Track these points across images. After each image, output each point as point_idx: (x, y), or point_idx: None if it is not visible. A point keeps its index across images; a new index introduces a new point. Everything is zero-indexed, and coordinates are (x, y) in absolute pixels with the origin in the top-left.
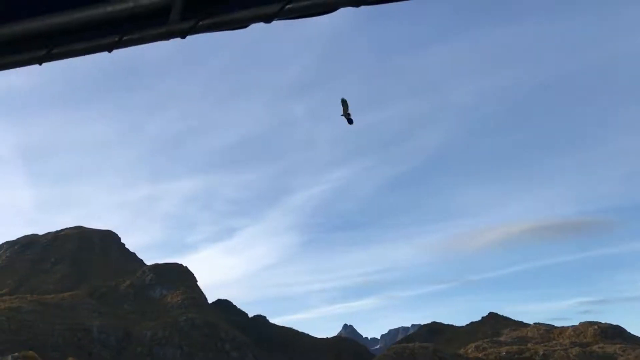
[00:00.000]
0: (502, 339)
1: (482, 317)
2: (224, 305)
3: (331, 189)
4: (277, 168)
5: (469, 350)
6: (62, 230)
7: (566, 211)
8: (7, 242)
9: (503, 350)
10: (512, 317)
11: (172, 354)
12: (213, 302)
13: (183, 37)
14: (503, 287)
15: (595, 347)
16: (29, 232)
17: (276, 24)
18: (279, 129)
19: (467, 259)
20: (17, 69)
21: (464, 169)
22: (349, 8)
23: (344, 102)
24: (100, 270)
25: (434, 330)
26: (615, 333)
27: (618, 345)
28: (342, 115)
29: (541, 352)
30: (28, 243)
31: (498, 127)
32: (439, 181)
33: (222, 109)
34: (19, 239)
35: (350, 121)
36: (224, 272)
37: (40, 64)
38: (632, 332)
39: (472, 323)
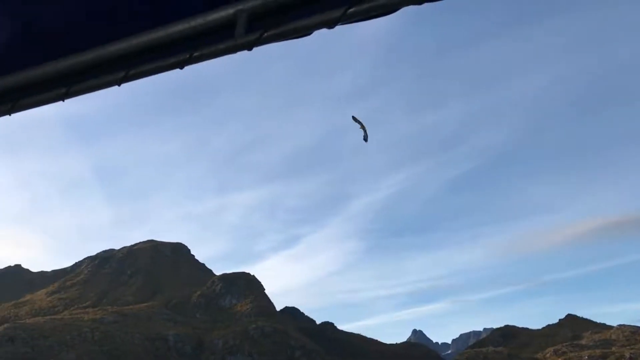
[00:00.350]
0: (583, 342)
1: (560, 320)
2: (291, 312)
3: (392, 194)
4: (337, 175)
5: (548, 355)
6: (136, 244)
7: None
8: (88, 257)
9: (585, 354)
10: (593, 319)
11: None
12: (281, 310)
13: (250, 49)
14: (580, 287)
15: None
16: (107, 247)
17: (328, 31)
18: (335, 135)
19: (539, 259)
20: (95, 92)
21: (530, 166)
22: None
23: (356, 119)
24: (173, 281)
25: (508, 334)
26: None
27: None
28: (360, 128)
29: (627, 355)
30: (106, 257)
31: (563, 120)
32: (503, 180)
33: (279, 119)
34: (98, 254)
35: (365, 138)
36: (290, 279)
37: (119, 85)
38: None
39: (548, 326)
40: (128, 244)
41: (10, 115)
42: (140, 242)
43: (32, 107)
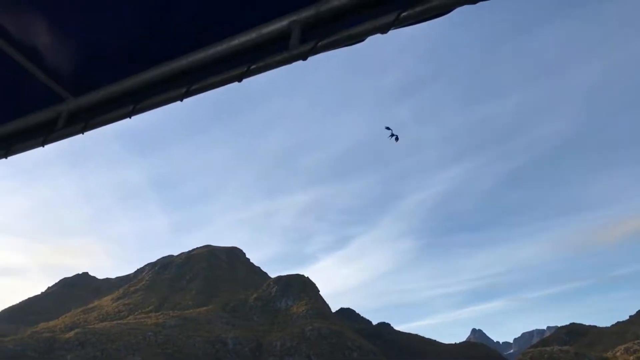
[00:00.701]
0: None
1: (630, 316)
2: (347, 313)
3: (445, 190)
4: (387, 174)
5: (618, 353)
6: (193, 249)
7: None
8: (149, 264)
9: None
10: None
11: None
12: (337, 311)
13: (304, 59)
14: None
15: None
16: (166, 254)
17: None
18: (385, 134)
19: (606, 253)
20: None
21: (594, 156)
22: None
23: (388, 129)
24: (229, 285)
25: (574, 332)
26: None
27: None
28: (391, 137)
29: None
30: (166, 263)
31: (629, 104)
32: (564, 171)
33: (327, 121)
34: (158, 260)
35: (396, 138)
36: (343, 280)
37: (181, 101)
38: None
39: (618, 323)
40: (186, 250)
41: (82, 134)
42: (197, 248)
43: (102, 124)
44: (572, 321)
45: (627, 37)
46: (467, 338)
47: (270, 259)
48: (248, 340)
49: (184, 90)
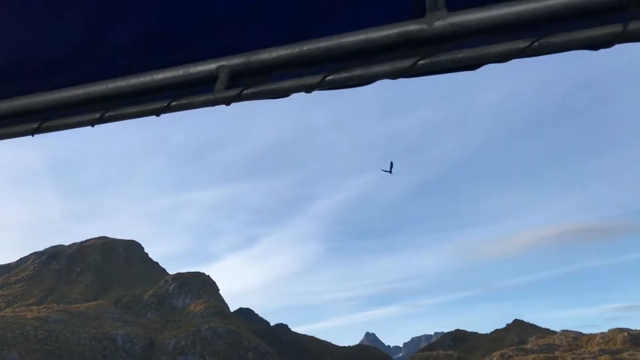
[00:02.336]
0: (528, 346)
1: (507, 325)
2: (245, 313)
3: (354, 197)
4: (300, 176)
5: (494, 358)
6: (87, 240)
7: (595, 215)
8: (35, 253)
9: (529, 359)
10: (539, 324)
11: None
12: (235, 311)
13: (227, 104)
14: (529, 293)
15: (625, 355)
16: (56, 243)
17: None
18: (301, 136)
19: (492, 265)
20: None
21: (490, 175)
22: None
23: (391, 164)
24: (124, 279)
25: (458, 338)
26: None
27: None
28: (386, 170)
29: None
30: (55, 253)
31: (526, 131)
32: (463, 187)
33: (243, 119)
34: (46, 249)
35: (390, 171)
36: (246, 280)
37: (92, 126)
38: None
39: (497, 330)
40: (79, 240)
41: None
42: (91, 239)
43: (2, 138)
44: (457, 327)
45: (529, 68)
46: (361, 341)
47: (172, 255)
48: (139, 337)
49: (97, 116)
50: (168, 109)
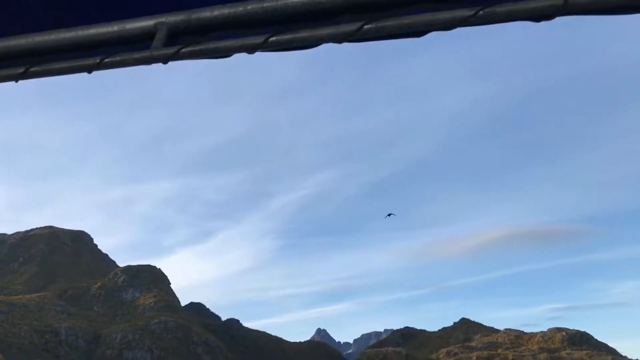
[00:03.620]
0: (473, 344)
1: (454, 323)
2: (197, 308)
3: (311, 195)
4: (257, 172)
5: (441, 355)
6: (32, 230)
7: (539, 219)
8: None
9: (474, 356)
10: (484, 323)
11: (143, 357)
12: (186, 305)
13: (165, 62)
14: (476, 293)
15: (562, 353)
16: None
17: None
18: (260, 133)
19: (442, 265)
20: None
21: (444, 177)
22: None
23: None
24: (71, 271)
25: (407, 335)
26: (582, 339)
27: (585, 352)
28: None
29: (510, 358)
30: None
31: (478, 135)
32: (418, 189)
33: (203, 112)
34: None
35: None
36: (199, 275)
37: (16, 81)
38: (599, 339)
39: (444, 328)
40: (23, 229)
41: None
42: (37, 228)
43: None
44: (406, 325)
45: (488, 76)
46: (312, 337)
47: (122, 247)
48: (84, 331)
49: (21, 70)
50: (101, 66)
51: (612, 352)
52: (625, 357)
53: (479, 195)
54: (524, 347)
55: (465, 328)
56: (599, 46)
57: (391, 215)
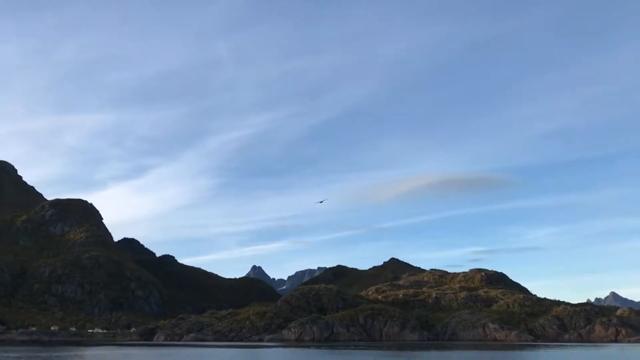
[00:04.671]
0: (400, 282)
1: (384, 262)
2: (130, 244)
3: (251, 134)
4: (196, 108)
5: (370, 292)
6: None
7: (467, 168)
8: None
9: (400, 293)
10: (411, 264)
11: (73, 292)
12: (119, 241)
13: None
14: (406, 236)
15: (480, 292)
16: None
17: None
18: (200, 67)
19: (375, 208)
20: None
21: (381, 123)
22: None
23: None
24: None
25: (339, 273)
26: (499, 279)
27: (500, 290)
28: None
29: (434, 295)
30: None
31: (417, 84)
32: (356, 133)
33: (140, 40)
34: None
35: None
36: (133, 211)
37: None
38: (513, 279)
39: (374, 267)
40: None
41: None
42: None
43: None
44: (338, 264)
45: (431, 24)
46: (247, 274)
47: (50, 180)
48: (10, 265)
49: None
50: None
51: (524, 291)
52: (535, 295)
53: (413, 142)
54: (447, 286)
55: (394, 267)
56: (543, 2)
57: (323, 202)
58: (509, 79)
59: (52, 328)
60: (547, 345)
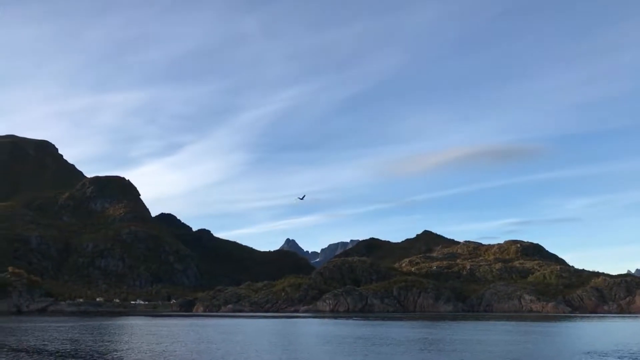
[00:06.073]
0: (434, 254)
1: (417, 235)
2: (167, 219)
3: (281, 109)
4: (227, 84)
5: (403, 265)
6: None
7: (500, 139)
8: None
9: (434, 265)
10: (445, 236)
11: (115, 265)
12: (157, 216)
13: None
14: (439, 208)
15: (516, 263)
16: None
17: None
18: (230, 43)
19: (408, 181)
20: None
21: (411, 95)
22: None
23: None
24: (36, 181)
25: (372, 245)
26: (534, 250)
27: (536, 262)
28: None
29: (468, 267)
30: None
31: (446, 52)
32: (385, 106)
33: (169, 18)
34: None
35: (301, 198)
36: (169, 187)
37: None
38: (550, 250)
39: (407, 240)
40: None
41: None
42: None
43: None
44: (371, 236)
45: None
46: (281, 247)
47: (89, 158)
48: (55, 240)
49: None
50: None
51: (561, 262)
52: (573, 266)
53: (443, 114)
54: (481, 258)
55: (427, 240)
56: None
57: (304, 198)
58: (547, 45)
59: (97, 300)
60: (586, 317)
